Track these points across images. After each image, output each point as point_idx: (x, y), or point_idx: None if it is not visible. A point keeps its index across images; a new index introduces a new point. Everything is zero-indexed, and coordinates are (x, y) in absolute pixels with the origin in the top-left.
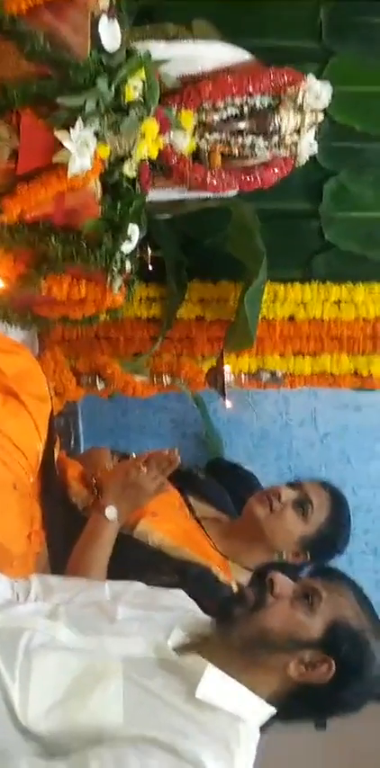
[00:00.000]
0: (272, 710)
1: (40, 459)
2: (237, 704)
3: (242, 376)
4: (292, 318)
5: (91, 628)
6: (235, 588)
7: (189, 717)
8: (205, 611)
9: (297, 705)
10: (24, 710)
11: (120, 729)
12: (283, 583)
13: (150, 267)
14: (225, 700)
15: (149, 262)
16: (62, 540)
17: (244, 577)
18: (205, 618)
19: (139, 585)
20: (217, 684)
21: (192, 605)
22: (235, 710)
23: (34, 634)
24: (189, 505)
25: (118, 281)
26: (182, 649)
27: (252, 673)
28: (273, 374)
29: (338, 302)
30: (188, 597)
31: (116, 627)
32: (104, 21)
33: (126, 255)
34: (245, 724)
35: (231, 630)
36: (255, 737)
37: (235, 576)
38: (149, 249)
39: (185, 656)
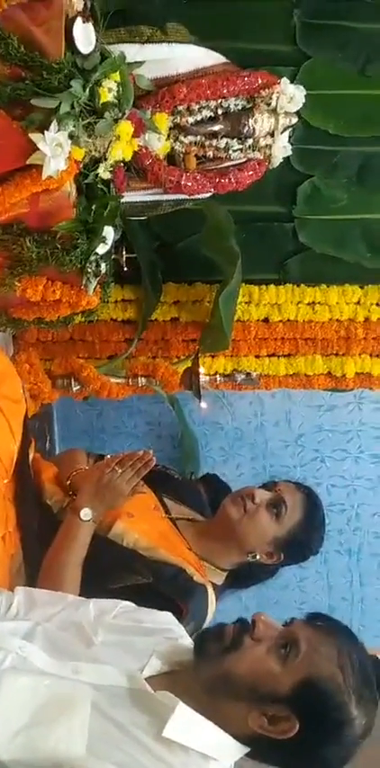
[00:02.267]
0: (244, 749)
1: (15, 460)
2: (207, 744)
3: (217, 377)
4: (266, 320)
5: (66, 651)
6: (210, 589)
7: (157, 755)
8: (181, 613)
9: (263, 753)
10: None
11: (81, 762)
12: (267, 626)
13: (125, 269)
14: (195, 739)
15: (124, 264)
16: (37, 541)
17: (219, 578)
18: (186, 647)
19: (124, 605)
20: (187, 723)
21: (177, 630)
22: (205, 750)
23: (7, 655)
24: (164, 506)
25: (93, 283)
26: (157, 681)
27: (217, 714)
28: (248, 375)
29: (312, 304)
30: (175, 621)
31: (92, 652)
32: (78, 23)
33: (101, 257)
34: (216, 763)
35: (203, 667)
36: None
37: (210, 577)
38: (123, 251)
39: (158, 688)
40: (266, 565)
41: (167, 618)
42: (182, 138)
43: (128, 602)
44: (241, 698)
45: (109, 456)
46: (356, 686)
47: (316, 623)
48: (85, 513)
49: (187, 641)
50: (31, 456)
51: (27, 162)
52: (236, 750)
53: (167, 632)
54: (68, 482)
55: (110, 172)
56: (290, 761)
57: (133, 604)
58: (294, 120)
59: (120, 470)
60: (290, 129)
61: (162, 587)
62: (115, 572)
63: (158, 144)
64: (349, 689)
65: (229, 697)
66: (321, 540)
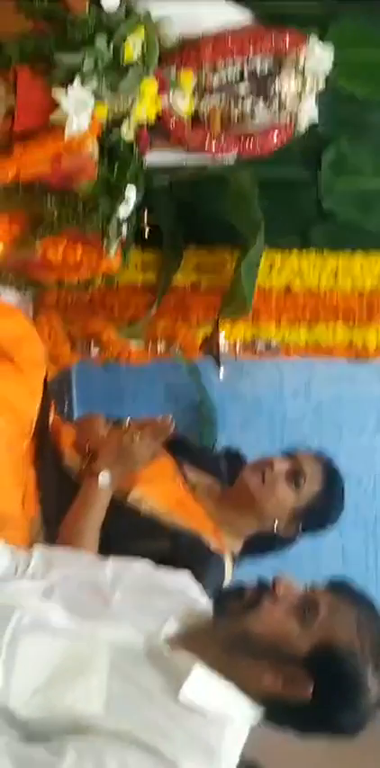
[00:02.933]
0: (260, 711)
1: (35, 423)
2: (224, 705)
3: (237, 345)
4: (288, 288)
5: (84, 610)
6: (227, 557)
7: (173, 717)
8: (198, 580)
9: (277, 715)
10: (7, 692)
11: (100, 721)
12: (288, 588)
13: (147, 233)
14: (211, 701)
15: (146, 227)
16: (55, 504)
17: (236, 546)
18: (204, 607)
19: (141, 565)
20: (204, 685)
21: (195, 591)
22: (222, 712)
23: (25, 613)
24: (183, 473)
25: (114, 246)
26: (175, 641)
27: (233, 674)
28: (268, 344)
29: (334, 272)
30: (192, 581)
31: (110, 611)
32: None
33: (123, 220)
34: (232, 725)
35: (222, 625)
36: (242, 738)
37: (228, 545)
38: (145, 215)
39: (175, 649)
40: (285, 534)
41: (184, 578)
42: (207, 98)
43: (145, 562)
44: (258, 656)
45: (129, 420)
46: (373, 654)
47: (337, 589)
48: (104, 477)
49: (205, 602)
50: (51, 418)
51: (50, 119)
52: (252, 712)
53: (184, 593)
54: (87, 446)
55: (133, 132)
56: (303, 724)
57: (150, 564)
58: (322, 82)
59: (139, 436)
60: (317, 91)
61: (179, 554)
62: (132, 537)
63: (183, 103)
64: (366, 657)
65: (245, 656)
66: (340, 511)
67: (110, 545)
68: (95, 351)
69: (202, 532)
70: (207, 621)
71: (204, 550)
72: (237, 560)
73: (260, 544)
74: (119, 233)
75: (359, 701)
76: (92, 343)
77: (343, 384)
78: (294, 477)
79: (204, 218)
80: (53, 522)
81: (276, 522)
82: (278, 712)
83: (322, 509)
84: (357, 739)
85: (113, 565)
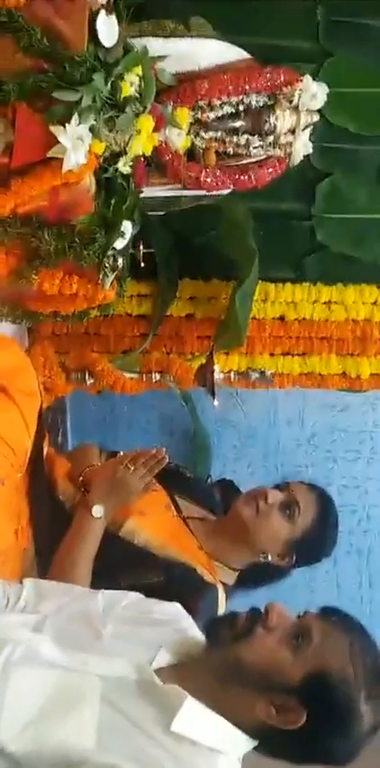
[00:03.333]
0: (253, 743)
1: (29, 454)
2: (216, 737)
3: (232, 375)
4: (282, 318)
5: (75, 643)
6: (221, 589)
7: (165, 748)
8: (191, 613)
9: (270, 745)
10: None
11: (91, 755)
12: (280, 616)
13: (142, 264)
14: (203, 733)
15: (141, 259)
16: (49, 536)
17: (230, 578)
18: (195, 638)
19: (133, 596)
20: (195, 717)
21: (187, 621)
22: (214, 744)
23: (17, 647)
24: (176, 505)
25: (110, 278)
26: (166, 672)
27: (225, 704)
28: (262, 373)
29: (328, 303)
30: (183, 612)
31: (101, 644)
32: (102, 16)
33: (118, 252)
34: (225, 757)
35: (214, 654)
36: None
37: (221, 577)
38: (141, 246)
39: (167, 681)
40: (278, 566)
41: (175, 609)
42: (202, 133)
43: (137, 594)
44: (250, 686)
45: (122, 453)
46: (366, 682)
47: (329, 617)
48: (97, 510)
49: (196, 633)
50: (45, 450)
51: (48, 155)
52: (244, 743)
53: (175, 623)
54: (81, 478)
55: (130, 166)
56: (296, 753)
57: (142, 595)
58: (316, 117)
59: (133, 467)
60: (311, 126)
61: (172, 586)
62: (126, 570)
63: (179, 139)
64: (359, 684)
65: (238, 685)
66: (334, 543)
67: (103, 577)
68: (90, 381)
69: (195, 564)
70: (199, 652)
71: (198, 583)
72: (230, 592)
73: (254, 576)
74: (115, 265)
75: (353, 729)
76: (87, 374)
77: (337, 413)
78: (288, 508)
79: (199, 250)
80: (46, 554)
81: (270, 553)
82: (271, 742)
83: (316, 541)
84: None
85: (104, 596)
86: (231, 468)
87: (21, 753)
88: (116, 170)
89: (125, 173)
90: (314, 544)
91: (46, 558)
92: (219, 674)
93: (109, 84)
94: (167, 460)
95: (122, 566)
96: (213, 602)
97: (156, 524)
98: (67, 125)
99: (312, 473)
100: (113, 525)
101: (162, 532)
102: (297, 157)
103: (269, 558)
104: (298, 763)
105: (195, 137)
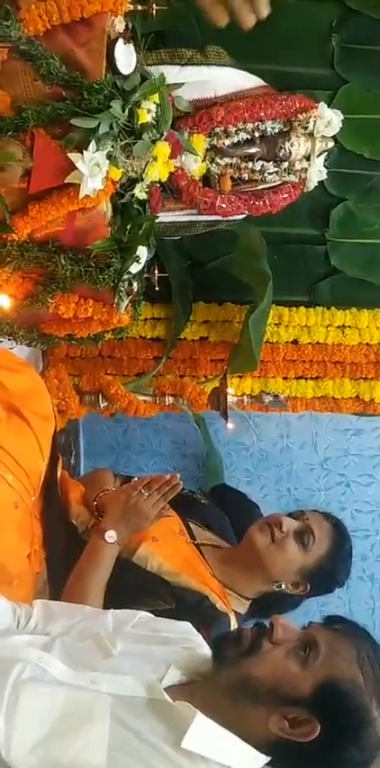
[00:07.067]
0: (265, 759)
1: (43, 478)
2: (226, 754)
3: (245, 398)
4: (295, 342)
5: (85, 661)
6: (233, 618)
7: (177, 765)
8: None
9: (282, 760)
10: (8, 746)
11: None
12: (286, 629)
13: (157, 288)
14: (214, 750)
15: (156, 282)
16: (62, 560)
17: (242, 607)
18: (204, 656)
19: (143, 615)
20: (206, 734)
21: (196, 639)
22: (225, 761)
23: (26, 666)
24: (189, 531)
25: (125, 302)
26: (176, 690)
27: (237, 721)
28: (275, 397)
29: (342, 327)
30: (193, 630)
31: (110, 663)
32: (120, 44)
33: (133, 276)
34: None
35: (223, 672)
36: None
37: (233, 605)
38: (155, 270)
39: (177, 698)
40: (291, 595)
41: (185, 627)
42: (218, 159)
43: (146, 613)
44: (261, 701)
45: (136, 478)
46: (376, 688)
47: (334, 626)
48: (110, 536)
49: (206, 650)
50: (58, 473)
51: (65, 181)
52: (256, 759)
53: (185, 641)
54: (95, 503)
55: (146, 192)
56: (311, 766)
57: (151, 614)
58: (331, 144)
59: (146, 493)
60: (326, 152)
61: (184, 614)
62: (138, 596)
63: (195, 165)
64: (370, 690)
65: (249, 701)
66: (348, 572)
67: (115, 602)
68: (103, 403)
69: (207, 592)
70: (208, 669)
71: (210, 611)
72: (243, 621)
73: (267, 605)
74: (130, 289)
75: (366, 736)
76: (100, 396)
77: (350, 437)
78: (303, 536)
79: (213, 274)
80: (59, 578)
81: (284, 582)
82: (285, 756)
83: (330, 570)
84: None
85: (113, 615)
86: (244, 491)
87: None
88: (132, 195)
89: (141, 198)
90: (328, 574)
91: (58, 583)
92: (229, 691)
93: (126, 111)
94: (181, 486)
95: (134, 592)
96: (226, 630)
97: (169, 551)
98: (84, 152)
99: (324, 497)
100: (126, 551)
101: (175, 559)
102: (312, 183)
103: (283, 586)
104: None
105: (211, 163)
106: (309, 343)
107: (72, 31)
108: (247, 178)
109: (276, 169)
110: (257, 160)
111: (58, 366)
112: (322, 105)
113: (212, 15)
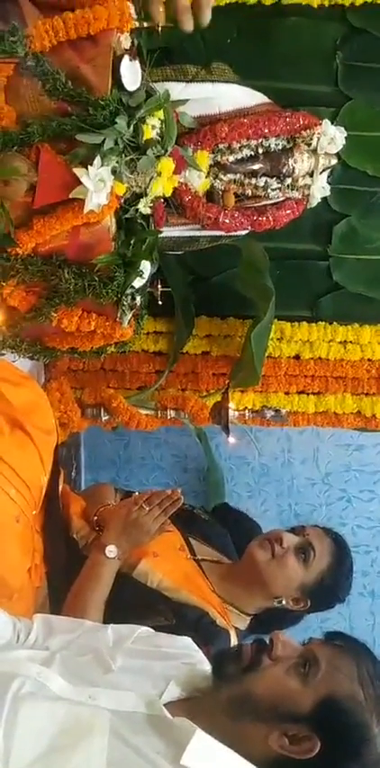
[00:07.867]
0: None
1: (44, 492)
2: None
3: (246, 413)
4: (297, 357)
5: (84, 677)
6: (233, 634)
7: None
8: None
9: None
10: (7, 760)
11: None
12: (286, 646)
13: (160, 302)
14: (213, 766)
15: (159, 297)
16: (62, 575)
17: (243, 623)
18: (204, 672)
19: (143, 630)
20: (205, 750)
21: (197, 655)
22: None
23: (26, 681)
24: (190, 547)
25: (128, 315)
26: (176, 706)
27: (237, 738)
28: (277, 412)
29: (344, 342)
30: (193, 646)
31: (110, 678)
32: (125, 61)
33: (137, 290)
34: None
35: (222, 688)
36: None
37: (234, 621)
38: (158, 284)
39: (176, 714)
40: (292, 611)
41: (185, 643)
42: (222, 175)
43: (146, 628)
44: (262, 718)
45: (137, 493)
46: (376, 704)
47: (335, 642)
48: (111, 550)
49: (206, 666)
50: (60, 487)
51: (70, 196)
52: None
53: (185, 657)
54: (95, 517)
55: (150, 207)
56: None
57: (152, 630)
58: (334, 160)
59: (147, 508)
60: (329, 169)
61: (184, 630)
62: (138, 611)
63: (198, 181)
64: (370, 707)
65: (249, 718)
66: (349, 588)
67: (114, 618)
68: (105, 417)
69: (208, 608)
70: (208, 686)
71: (210, 627)
72: (243, 637)
73: (267, 621)
74: (133, 303)
75: (367, 753)
76: (102, 410)
77: (351, 453)
78: (304, 552)
79: (216, 288)
80: (59, 593)
81: (284, 598)
82: None
83: (331, 586)
84: None
85: (113, 630)
86: (245, 506)
87: None
88: (136, 210)
89: (145, 213)
90: (329, 589)
91: (58, 597)
92: (229, 708)
93: (131, 127)
94: (182, 501)
95: (134, 607)
96: (226, 646)
97: (169, 567)
98: (89, 167)
99: (325, 512)
100: (127, 566)
101: (175, 575)
102: (315, 200)
103: (284, 602)
104: None
105: (215, 179)
106: (311, 359)
107: (78, 47)
108: (250, 194)
109: (280, 185)
110: (260, 176)
111: (60, 379)
112: (326, 122)
113: (151, 12)
